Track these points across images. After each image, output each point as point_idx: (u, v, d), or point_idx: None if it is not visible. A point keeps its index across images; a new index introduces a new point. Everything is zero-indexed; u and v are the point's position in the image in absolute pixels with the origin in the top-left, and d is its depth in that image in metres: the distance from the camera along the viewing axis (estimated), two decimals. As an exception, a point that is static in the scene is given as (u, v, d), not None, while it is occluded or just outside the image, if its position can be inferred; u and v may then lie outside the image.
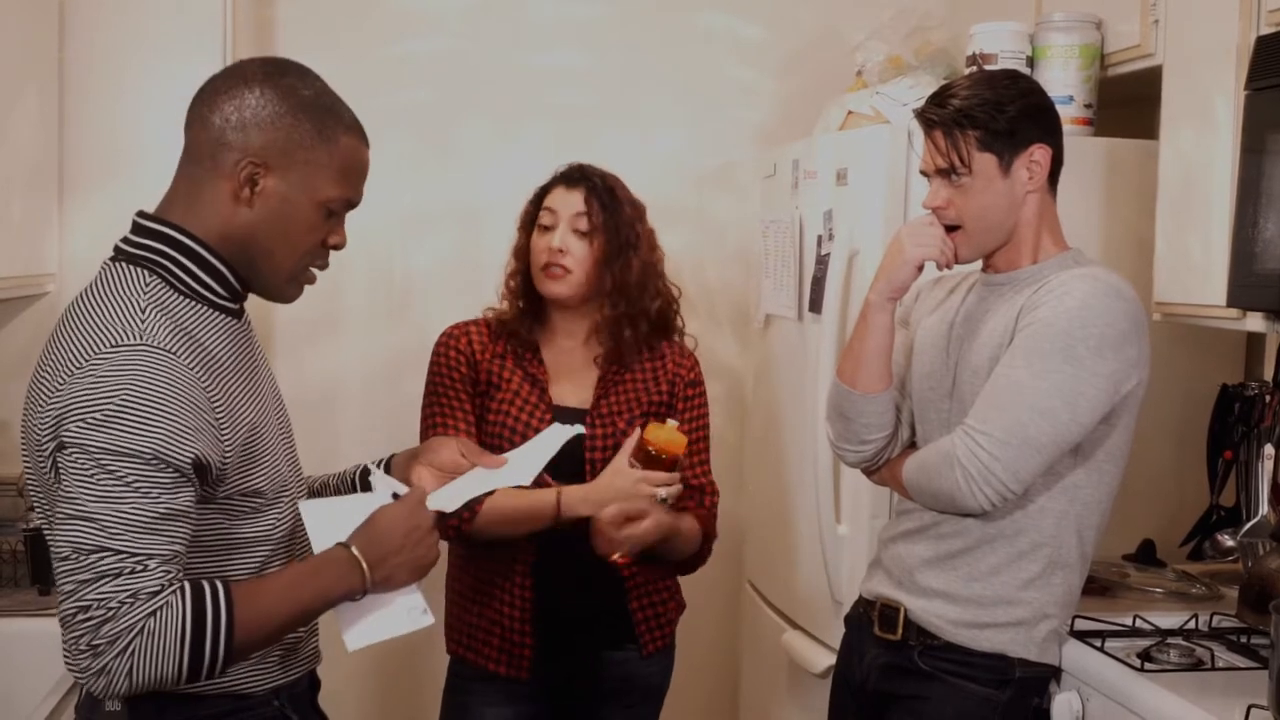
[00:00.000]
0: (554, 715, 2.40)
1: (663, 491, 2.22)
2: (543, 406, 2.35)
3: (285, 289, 1.70)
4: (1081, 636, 2.18)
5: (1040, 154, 2.06)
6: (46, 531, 1.63)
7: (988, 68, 2.69)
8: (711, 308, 3.52)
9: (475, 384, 2.37)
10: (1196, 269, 2.36)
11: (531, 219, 2.42)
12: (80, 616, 1.46)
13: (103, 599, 1.46)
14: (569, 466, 2.26)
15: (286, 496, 1.71)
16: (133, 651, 1.46)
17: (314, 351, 3.40)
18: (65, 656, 1.65)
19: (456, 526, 2.25)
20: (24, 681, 2.20)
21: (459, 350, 2.38)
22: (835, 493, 2.70)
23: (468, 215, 3.45)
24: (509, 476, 1.88)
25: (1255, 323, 2.24)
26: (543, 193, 2.42)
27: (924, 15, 2.99)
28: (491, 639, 2.35)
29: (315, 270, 1.72)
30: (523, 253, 2.42)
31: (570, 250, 2.34)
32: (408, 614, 1.68)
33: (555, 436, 2.01)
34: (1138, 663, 2.08)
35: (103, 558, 1.47)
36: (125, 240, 1.65)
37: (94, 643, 1.46)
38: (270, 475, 1.66)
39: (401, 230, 3.46)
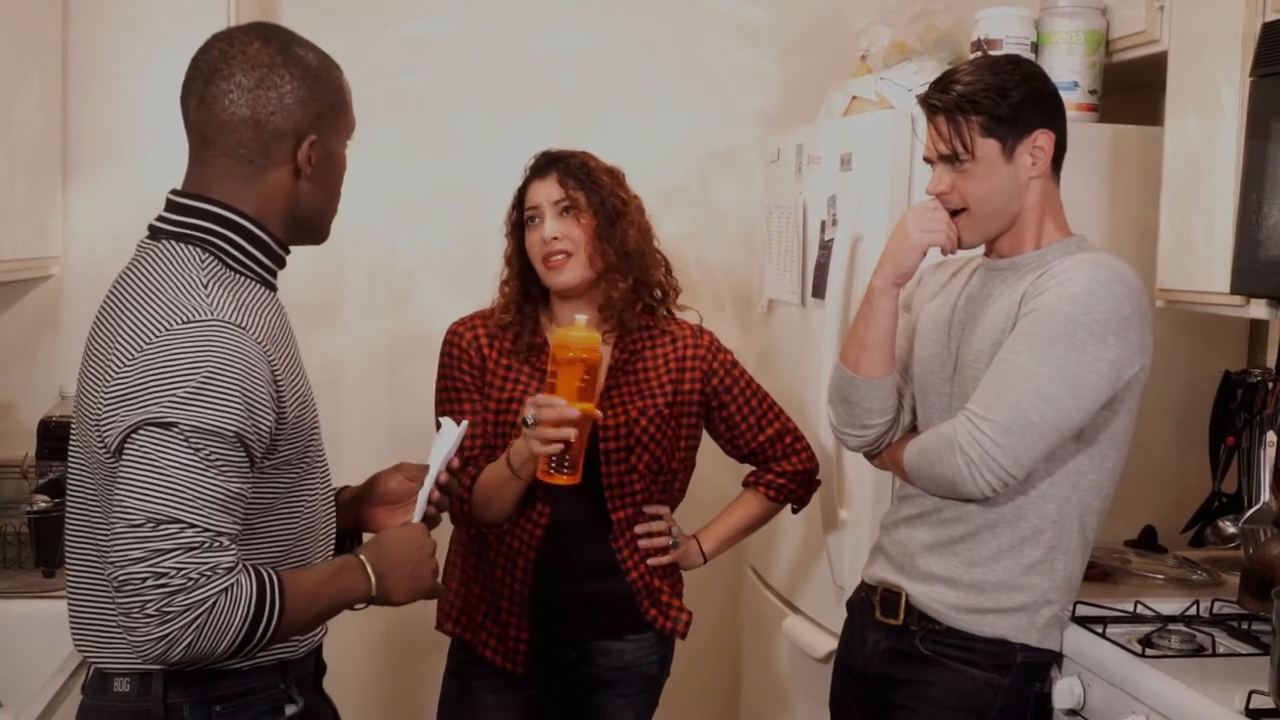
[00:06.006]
0: (553, 703, 2.40)
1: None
2: None
3: (330, 226, 1.76)
4: (1083, 622, 2.18)
5: (1043, 139, 2.05)
6: (70, 508, 1.65)
7: (992, 53, 2.68)
8: (714, 293, 3.51)
9: (484, 375, 2.34)
10: (1200, 255, 2.36)
11: (518, 223, 2.38)
12: (152, 582, 1.48)
13: (182, 568, 1.48)
14: (585, 456, 2.26)
15: (323, 468, 1.76)
16: (200, 625, 1.49)
17: (315, 336, 3.39)
18: (74, 634, 1.67)
19: (461, 508, 2.26)
20: (29, 662, 2.20)
21: (464, 346, 2.36)
22: (837, 478, 2.70)
23: (470, 200, 3.44)
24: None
25: (1258, 309, 2.24)
26: (521, 194, 2.38)
27: (929, 0, 2.98)
28: (491, 625, 2.35)
29: None
30: (515, 257, 2.39)
31: (564, 234, 2.31)
32: None
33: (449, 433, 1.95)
34: (1139, 648, 2.08)
35: (181, 530, 1.49)
36: (164, 220, 1.65)
37: (164, 609, 1.48)
38: (317, 444, 1.72)
39: (403, 215, 3.46)
